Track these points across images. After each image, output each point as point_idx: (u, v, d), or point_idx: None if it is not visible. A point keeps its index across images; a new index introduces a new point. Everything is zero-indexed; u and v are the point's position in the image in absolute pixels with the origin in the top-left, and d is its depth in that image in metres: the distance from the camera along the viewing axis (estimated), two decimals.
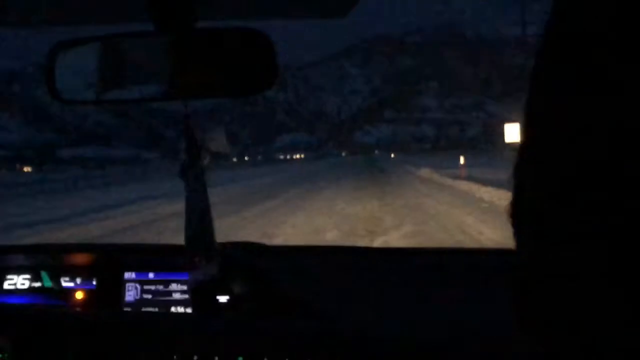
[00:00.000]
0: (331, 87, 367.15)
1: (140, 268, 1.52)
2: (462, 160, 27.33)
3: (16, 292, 1.56)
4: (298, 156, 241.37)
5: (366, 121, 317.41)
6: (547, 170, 0.29)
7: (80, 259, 1.63)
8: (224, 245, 1.47)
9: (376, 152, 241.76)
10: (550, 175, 0.29)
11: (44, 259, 1.64)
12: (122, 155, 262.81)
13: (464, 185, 18.53)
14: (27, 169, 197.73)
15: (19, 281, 1.57)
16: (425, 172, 30.53)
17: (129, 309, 1.50)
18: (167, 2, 0.93)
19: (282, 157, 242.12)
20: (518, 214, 0.33)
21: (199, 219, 1.12)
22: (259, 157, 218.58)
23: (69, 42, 1.01)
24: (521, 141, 0.32)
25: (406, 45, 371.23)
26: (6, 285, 1.56)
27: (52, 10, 1.04)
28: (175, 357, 1.05)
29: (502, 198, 12.89)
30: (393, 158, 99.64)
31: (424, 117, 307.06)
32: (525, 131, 0.31)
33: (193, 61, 1.01)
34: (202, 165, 1.10)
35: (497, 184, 15.39)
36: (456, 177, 22.38)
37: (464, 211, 12.71)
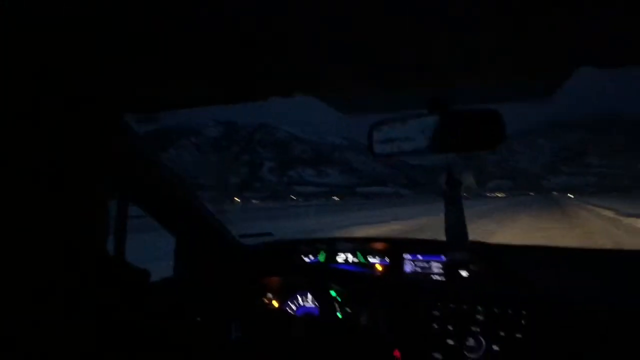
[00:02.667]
0: (525, 151, 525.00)
1: (413, 251, 2.29)
2: None
3: (343, 263, 2.43)
4: (500, 195, 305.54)
5: (548, 173, 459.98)
6: None
7: (379, 245, 2.40)
8: (467, 243, 2.06)
9: (555, 193, 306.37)
10: None
11: (359, 245, 2.46)
12: (389, 191, 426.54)
13: None
14: (336, 198, 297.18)
15: (344, 257, 2.45)
16: None
17: (406, 276, 2.28)
18: (433, 99, 1.41)
19: (488, 195, 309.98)
20: None
21: (456, 225, 1.63)
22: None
23: (379, 122, 1.56)
24: None
25: (578, 124, 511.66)
26: (339, 260, 2.45)
27: (364, 103, 1.47)
28: (438, 304, 1.67)
29: None
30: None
31: (588, 171, 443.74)
32: None
33: (449, 129, 1.43)
34: (458, 192, 1.64)
35: None
36: None
37: None
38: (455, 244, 1.81)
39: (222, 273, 2.05)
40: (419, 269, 2.27)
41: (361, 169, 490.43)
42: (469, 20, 0.79)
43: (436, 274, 2.23)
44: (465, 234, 1.71)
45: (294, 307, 1.99)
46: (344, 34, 0.84)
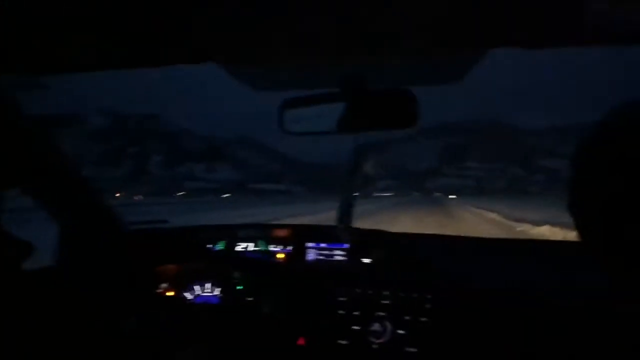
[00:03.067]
0: (411, 153, 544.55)
1: (316, 240, 2.31)
2: None
3: (244, 251, 2.39)
4: (387, 194, 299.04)
5: (432, 174, 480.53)
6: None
7: (282, 233, 2.39)
8: (369, 231, 2.30)
9: (437, 194, 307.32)
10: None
11: (261, 232, 2.42)
12: (282, 189, 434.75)
13: None
14: (227, 194, 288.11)
15: (245, 246, 2.39)
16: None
17: (309, 264, 2.30)
18: (348, 78, 1.37)
19: (377, 195, 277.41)
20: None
21: (349, 210, 1.70)
22: None
23: (290, 98, 1.51)
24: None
25: (459, 128, 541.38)
26: (238, 248, 2.38)
27: (277, 78, 1.43)
28: (344, 289, 1.69)
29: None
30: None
31: (468, 173, 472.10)
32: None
33: (363, 108, 1.42)
34: (359, 177, 1.67)
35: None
36: None
37: None
38: (353, 230, 1.89)
39: (110, 261, 1.96)
40: (322, 257, 2.28)
41: (254, 165, 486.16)
42: None
43: (339, 261, 2.24)
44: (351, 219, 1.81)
45: (191, 296, 1.95)
46: (259, 3, 0.80)
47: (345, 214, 1.86)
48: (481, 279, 1.73)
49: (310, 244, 2.31)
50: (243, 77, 1.38)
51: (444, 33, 0.96)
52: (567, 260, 1.79)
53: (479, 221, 27.95)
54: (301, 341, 1.63)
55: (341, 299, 1.66)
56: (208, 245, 2.41)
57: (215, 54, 1.11)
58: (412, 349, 1.51)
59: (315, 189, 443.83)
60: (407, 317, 1.56)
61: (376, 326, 1.57)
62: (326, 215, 27.29)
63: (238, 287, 1.86)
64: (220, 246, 2.41)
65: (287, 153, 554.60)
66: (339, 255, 2.24)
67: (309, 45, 1.03)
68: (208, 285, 1.93)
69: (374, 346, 1.55)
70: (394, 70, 1.36)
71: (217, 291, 1.90)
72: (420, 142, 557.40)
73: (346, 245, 2.23)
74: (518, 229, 22.41)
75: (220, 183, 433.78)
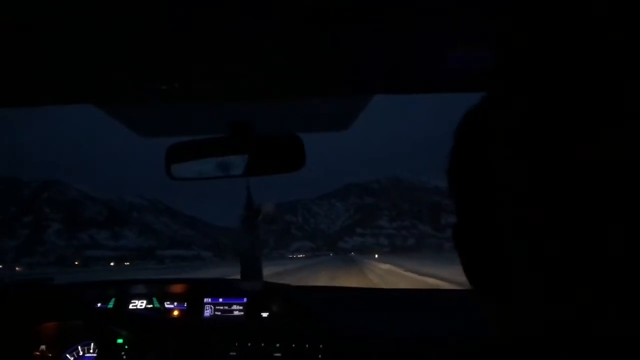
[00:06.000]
0: (324, 214, 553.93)
1: (214, 295, 2.24)
2: None
3: (135, 309, 2.24)
4: (301, 255, 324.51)
5: (345, 234, 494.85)
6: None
7: (177, 288, 2.30)
8: (269, 283, 2.21)
9: (352, 253, 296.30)
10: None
11: (155, 289, 2.30)
12: (190, 254, 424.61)
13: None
14: (127, 263, 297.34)
15: (138, 304, 2.26)
16: None
17: (205, 319, 2.21)
18: (236, 123, 1.37)
19: (290, 256, 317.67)
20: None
21: (251, 258, 1.53)
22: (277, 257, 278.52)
23: (176, 143, 1.45)
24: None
25: (369, 189, 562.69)
26: (130, 307, 2.23)
27: (163, 124, 1.41)
28: (236, 344, 1.66)
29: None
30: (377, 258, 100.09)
31: (380, 232, 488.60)
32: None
33: (251, 153, 1.41)
34: (257, 220, 1.51)
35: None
36: None
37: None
38: (253, 281, 1.79)
39: None
40: (219, 312, 2.24)
41: (161, 231, 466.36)
42: (269, 44, 0.78)
43: (237, 315, 2.22)
44: (260, 269, 1.67)
45: (72, 358, 1.86)
46: (139, 47, 0.77)
47: (250, 260, 1.72)
48: (374, 327, 1.74)
49: (207, 300, 2.25)
50: (125, 120, 1.34)
51: (323, 80, 0.96)
52: (460, 307, 1.82)
53: (393, 278, 27.87)
54: None
55: (232, 354, 1.66)
56: (99, 304, 2.27)
57: (92, 96, 1.06)
58: None
59: (225, 253, 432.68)
60: None
61: None
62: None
63: (124, 347, 1.79)
64: (110, 305, 2.28)
65: (196, 217, 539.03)
66: (236, 310, 2.21)
67: (193, 90, 1.01)
68: (92, 346, 1.84)
69: None
70: (282, 116, 1.39)
71: (98, 352, 1.82)
72: (334, 204, 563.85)
73: (244, 300, 2.20)
74: (429, 281, 22.08)
75: (126, 250, 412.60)
